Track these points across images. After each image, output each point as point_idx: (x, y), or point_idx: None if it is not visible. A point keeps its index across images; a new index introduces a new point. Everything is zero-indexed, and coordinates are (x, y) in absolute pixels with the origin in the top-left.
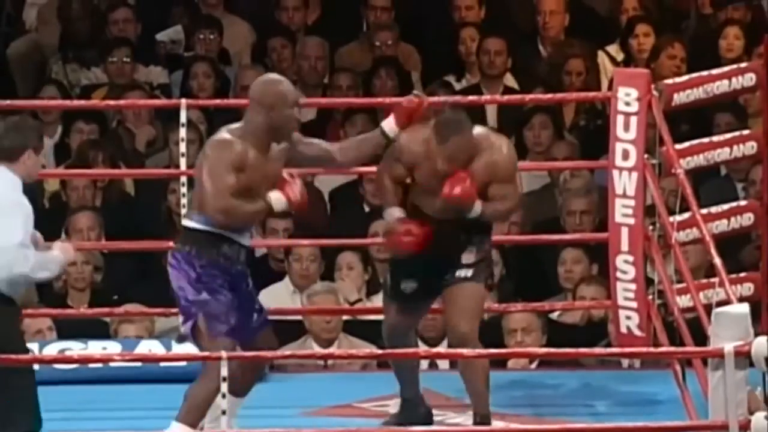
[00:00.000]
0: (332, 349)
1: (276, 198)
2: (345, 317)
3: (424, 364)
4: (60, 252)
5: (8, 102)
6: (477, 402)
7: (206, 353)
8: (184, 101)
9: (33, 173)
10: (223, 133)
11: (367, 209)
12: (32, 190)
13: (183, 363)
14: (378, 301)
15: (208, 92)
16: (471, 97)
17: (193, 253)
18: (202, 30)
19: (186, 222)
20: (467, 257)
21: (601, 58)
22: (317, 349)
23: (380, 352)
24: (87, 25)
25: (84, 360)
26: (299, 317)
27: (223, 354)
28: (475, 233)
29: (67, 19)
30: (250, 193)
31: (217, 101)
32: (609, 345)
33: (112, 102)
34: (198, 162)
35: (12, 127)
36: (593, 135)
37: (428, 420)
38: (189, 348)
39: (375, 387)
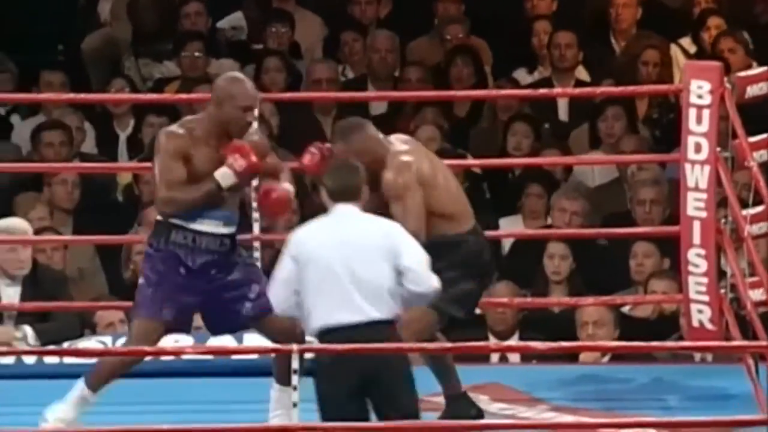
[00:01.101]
0: None
1: (221, 174)
2: None
3: (494, 357)
4: None
5: (82, 96)
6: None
7: (278, 345)
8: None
9: None
10: (175, 125)
11: None
12: (106, 183)
13: (254, 356)
14: None
15: (279, 86)
16: (542, 91)
17: (150, 243)
18: (274, 24)
19: None
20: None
21: (674, 51)
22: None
23: (450, 345)
24: (157, 19)
25: (156, 353)
26: None
27: (294, 347)
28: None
29: (137, 14)
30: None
31: (288, 95)
32: (681, 339)
33: (183, 95)
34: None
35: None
36: (665, 128)
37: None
38: (260, 341)
39: None
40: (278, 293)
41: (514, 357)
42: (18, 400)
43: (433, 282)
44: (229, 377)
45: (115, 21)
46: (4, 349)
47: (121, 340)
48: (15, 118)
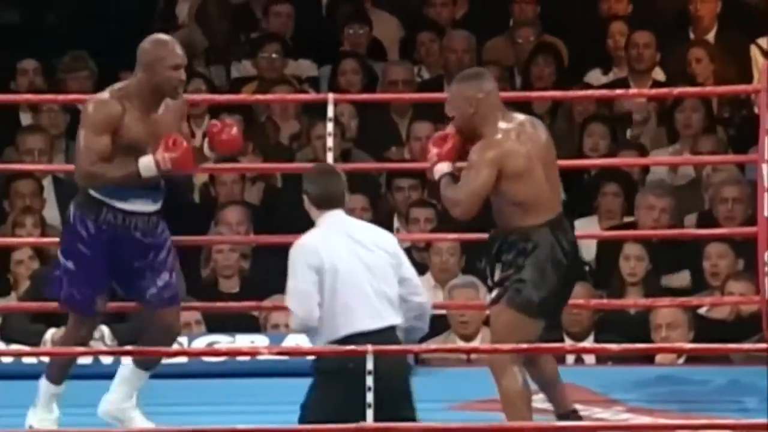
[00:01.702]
0: (476, 343)
1: (144, 163)
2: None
3: (569, 358)
4: None
5: None
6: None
7: (351, 347)
8: (331, 96)
9: None
10: (103, 93)
11: None
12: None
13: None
14: None
15: (356, 88)
16: (618, 91)
17: (75, 216)
18: (352, 25)
19: None
20: (496, 274)
21: (753, 51)
22: (460, 344)
23: (525, 346)
24: (225, 25)
25: (232, 353)
26: (443, 311)
27: (369, 347)
28: (506, 248)
29: (205, 21)
30: (134, 153)
31: (364, 96)
32: (761, 340)
33: (260, 96)
34: None
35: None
36: (740, 127)
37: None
38: None
39: None
40: (307, 306)
41: (589, 358)
42: (96, 400)
43: (425, 296)
44: (305, 377)
45: (191, 23)
46: (81, 349)
47: (197, 341)
48: None
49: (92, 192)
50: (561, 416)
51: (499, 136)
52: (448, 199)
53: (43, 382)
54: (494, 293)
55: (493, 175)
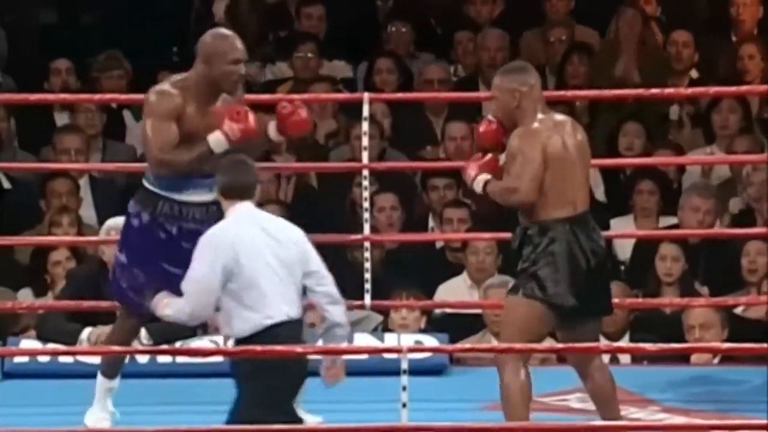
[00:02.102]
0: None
1: (214, 139)
2: None
3: (605, 358)
4: None
5: None
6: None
7: (389, 345)
8: (366, 95)
9: None
10: (163, 83)
11: None
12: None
13: (364, 356)
14: None
15: (391, 87)
16: (653, 90)
17: (133, 210)
18: (394, 23)
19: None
20: (519, 264)
21: None
22: (495, 343)
23: (560, 345)
24: (257, 23)
25: (266, 352)
26: (479, 311)
27: (404, 347)
28: (526, 241)
29: (236, 18)
30: (193, 143)
31: (399, 95)
32: None
33: (297, 96)
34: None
35: None
36: None
37: None
38: (370, 341)
39: (555, 381)
40: (204, 300)
41: (625, 358)
42: (129, 400)
43: (334, 287)
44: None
45: (228, 22)
46: (118, 348)
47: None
48: (126, 114)
49: (149, 185)
50: None
51: (536, 125)
52: (505, 189)
53: (99, 377)
54: (511, 285)
55: (541, 156)
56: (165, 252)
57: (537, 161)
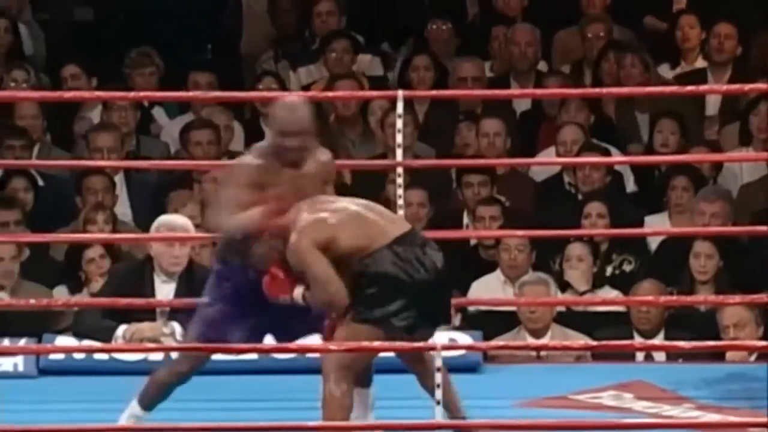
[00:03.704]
0: (545, 340)
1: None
2: (560, 308)
3: (639, 356)
4: None
5: (229, 94)
6: None
7: (421, 344)
8: (400, 92)
9: None
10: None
11: (580, 197)
12: None
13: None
14: (603, 293)
15: (427, 85)
16: (689, 88)
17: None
18: (435, 20)
19: None
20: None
21: None
22: (530, 340)
23: (595, 343)
24: (294, 19)
25: (301, 350)
26: (513, 308)
27: (438, 344)
28: (359, 274)
29: (276, 16)
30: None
31: (433, 92)
32: None
33: (330, 93)
34: None
35: None
36: None
37: None
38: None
39: (589, 378)
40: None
41: (659, 355)
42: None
43: None
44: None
45: (252, 20)
46: (151, 345)
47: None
48: (158, 111)
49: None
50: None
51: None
52: (322, 303)
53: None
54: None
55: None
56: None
57: (322, 262)
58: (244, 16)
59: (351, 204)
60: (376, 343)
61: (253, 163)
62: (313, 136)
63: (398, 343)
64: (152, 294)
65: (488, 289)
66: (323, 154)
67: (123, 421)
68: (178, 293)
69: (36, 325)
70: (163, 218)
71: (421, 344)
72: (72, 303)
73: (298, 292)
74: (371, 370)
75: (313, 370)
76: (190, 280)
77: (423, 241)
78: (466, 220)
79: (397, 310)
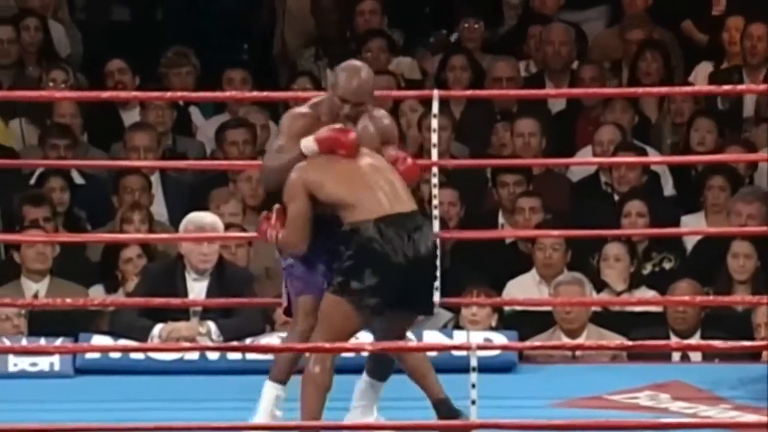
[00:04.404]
0: (581, 340)
1: (305, 143)
2: (596, 308)
3: (675, 356)
4: None
5: (265, 94)
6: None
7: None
8: (436, 92)
9: None
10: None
11: (616, 197)
12: None
13: (434, 354)
14: (640, 293)
15: (464, 84)
16: (725, 87)
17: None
18: (467, 19)
19: None
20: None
21: None
22: (565, 340)
23: (630, 343)
24: (336, 18)
25: (333, 350)
26: (548, 308)
27: (473, 344)
28: (343, 242)
29: (318, 15)
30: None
31: (468, 92)
32: None
33: None
34: None
35: None
36: None
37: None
38: (439, 338)
39: (625, 379)
40: None
41: (695, 355)
42: (202, 395)
43: None
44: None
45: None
46: (187, 345)
47: None
48: (194, 111)
49: None
50: (433, 405)
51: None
52: (282, 244)
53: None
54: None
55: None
56: None
57: (301, 203)
58: (278, 15)
59: (365, 163)
60: (411, 344)
61: (307, 114)
62: (372, 101)
63: (432, 343)
64: (184, 292)
65: (523, 289)
66: (384, 118)
67: (266, 403)
68: (210, 291)
69: (72, 324)
70: (192, 216)
71: (454, 343)
72: (108, 302)
73: (272, 233)
74: (391, 366)
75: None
76: (221, 278)
77: (417, 226)
78: (501, 220)
79: (370, 288)
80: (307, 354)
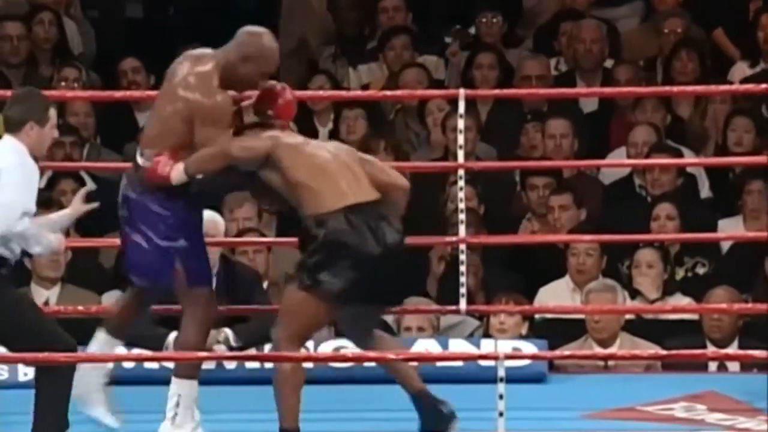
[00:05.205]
0: (614, 349)
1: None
2: (629, 316)
3: (712, 365)
4: (56, 239)
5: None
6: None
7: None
8: (462, 91)
9: (38, 146)
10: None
11: (649, 200)
12: None
13: (460, 363)
14: (674, 300)
15: (491, 84)
16: (763, 86)
17: None
18: (485, 13)
19: None
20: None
21: None
22: (597, 349)
23: (664, 352)
24: (356, 16)
25: (359, 359)
26: (581, 316)
27: (501, 353)
28: (307, 233)
29: (337, 13)
30: None
31: (496, 91)
32: None
33: (388, 92)
34: None
35: (16, 99)
36: None
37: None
38: (465, 347)
39: (660, 389)
40: None
41: (733, 365)
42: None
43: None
44: (430, 384)
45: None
46: (204, 354)
47: (324, 346)
48: None
49: None
50: (412, 398)
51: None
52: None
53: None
54: (292, 273)
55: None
56: None
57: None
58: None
59: (326, 151)
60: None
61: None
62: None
63: (459, 353)
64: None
65: (556, 296)
66: None
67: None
68: (218, 291)
69: (85, 333)
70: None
71: (481, 352)
72: None
73: (164, 167)
74: None
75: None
76: (227, 278)
77: (382, 215)
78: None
79: (341, 280)
80: (275, 348)
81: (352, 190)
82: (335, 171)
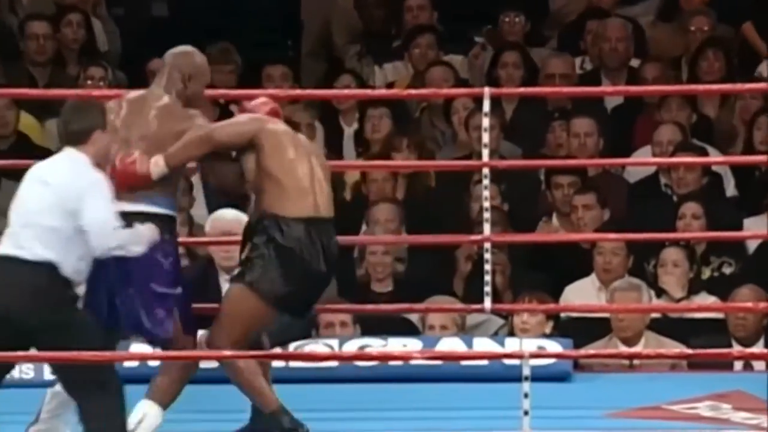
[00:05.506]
0: (639, 348)
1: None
2: (654, 315)
3: (737, 365)
4: (147, 229)
5: (308, 92)
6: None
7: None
8: (487, 90)
9: (105, 151)
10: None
11: (675, 199)
12: (334, 182)
13: (484, 362)
14: (700, 299)
15: (516, 83)
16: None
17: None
18: (507, 12)
19: None
20: (246, 252)
21: None
22: (622, 348)
23: (690, 351)
24: (383, 14)
25: (384, 357)
26: (606, 315)
27: (526, 352)
28: (260, 231)
29: (364, 11)
30: None
31: (521, 90)
32: None
33: (413, 91)
34: None
35: (75, 110)
36: None
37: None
38: (490, 346)
39: (685, 388)
40: None
41: (759, 364)
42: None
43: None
44: (455, 383)
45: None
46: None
47: (349, 344)
48: (235, 109)
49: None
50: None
51: None
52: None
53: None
54: (237, 271)
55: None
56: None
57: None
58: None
59: (309, 160)
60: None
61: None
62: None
63: (483, 351)
64: (218, 295)
65: (581, 295)
66: None
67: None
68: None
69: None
70: (214, 214)
71: (506, 351)
72: None
73: (142, 165)
74: None
75: None
76: (209, 281)
77: (330, 234)
78: (555, 221)
79: (286, 288)
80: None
81: (320, 204)
82: (308, 178)
